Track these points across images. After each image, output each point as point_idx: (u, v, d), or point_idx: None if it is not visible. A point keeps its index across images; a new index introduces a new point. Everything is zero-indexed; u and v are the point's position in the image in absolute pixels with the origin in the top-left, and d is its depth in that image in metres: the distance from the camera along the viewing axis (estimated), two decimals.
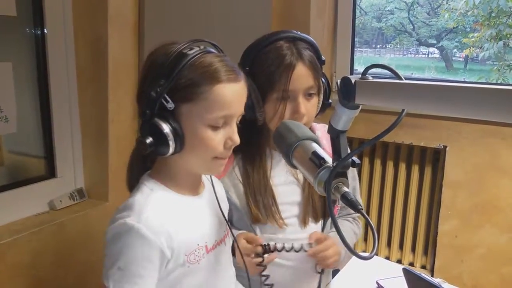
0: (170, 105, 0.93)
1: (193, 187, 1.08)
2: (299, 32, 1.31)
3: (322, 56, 1.33)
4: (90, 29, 1.90)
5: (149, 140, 0.93)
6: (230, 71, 0.97)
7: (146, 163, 1.06)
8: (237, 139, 1.01)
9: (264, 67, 1.26)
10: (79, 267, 1.89)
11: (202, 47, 0.98)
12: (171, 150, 0.94)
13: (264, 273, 1.30)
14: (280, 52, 1.25)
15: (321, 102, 1.34)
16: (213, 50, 1.00)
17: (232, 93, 0.97)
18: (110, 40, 1.87)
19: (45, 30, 1.85)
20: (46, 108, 1.91)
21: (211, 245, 1.07)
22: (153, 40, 1.95)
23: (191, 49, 0.96)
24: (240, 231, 1.32)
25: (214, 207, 1.13)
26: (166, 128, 0.93)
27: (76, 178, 2.04)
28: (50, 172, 1.97)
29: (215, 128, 0.97)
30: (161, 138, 0.93)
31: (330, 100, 1.36)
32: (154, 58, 0.98)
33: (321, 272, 1.37)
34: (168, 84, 0.93)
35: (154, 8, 1.98)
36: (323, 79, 1.33)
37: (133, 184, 1.07)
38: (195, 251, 1.03)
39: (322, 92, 1.33)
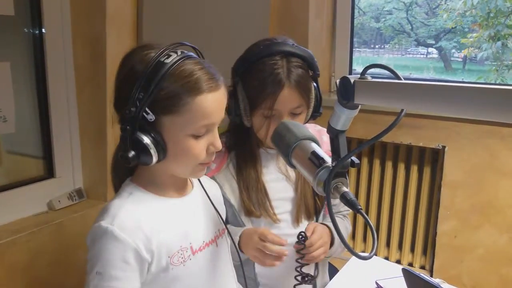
0: (151, 117, 0.92)
1: (177, 188, 1.08)
2: (296, 45, 1.32)
3: (317, 70, 1.34)
4: (88, 29, 1.90)
5: (131, 154, 0.93)
6: (211, 79, 0.95)
7: (129, 167, 1.06)
8: (219, 145, 1.00)
9: (254, 81, 1.28)
10: (78, 267, 1.88)
11: (179, 52, 0.95)
12: (154, 160, 0.94)
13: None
14: (271, 70, 1.26)
15: (310, 115, 1.36)
16: (192, 54, 0.98)
17: (214, 103, 0.96)
18: (108, 40, 1.86)
19: (43, 30, 1.85)
20: (45, 108, 1.91)
21: (197, 246, 1.07)
22: (151, 40, 1.95)
23: (169, 56, 0.93)
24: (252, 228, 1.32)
25: (204, 207, 1.13)
26: (148, 141, 0.92)
27: (75, 178, 2.04)
28: (49, 172, 1.97)
29: (197, 137, 0.96)
30: (143, 151, 0.93)
31: (320, 111, 1.38)
32: (132, 65, 0.96)
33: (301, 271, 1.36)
34: (148, 98, 0.91)
35: (152, 8, 1.98)
36: (315, 87, 1.34)
37: (118, 186, 1.08)
38: (178, 252, 1.02)
39: (312, 106, 1.35)
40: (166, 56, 0.93)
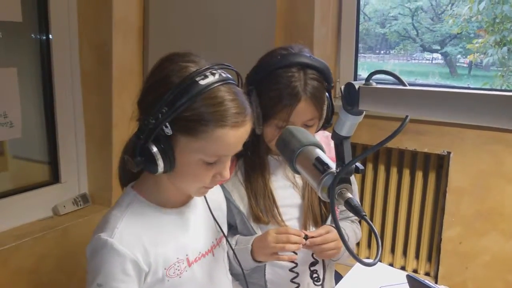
0: (168, 131, 0.91)
1: (178, 199, 1.07)
2: (312, 56, 1.32)
3: (332, 82, 1.35)
4: (95, 35, 1.91)
5: (137, 160, 0.92)
6: (238, 114, 0.93)
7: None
8: (226, 175, 0.99)
9: (270, 92, 1.28)
10: (82, 273, 1.88)
11: (217, 76, 0.92)
12: (160, 170, 0.93)
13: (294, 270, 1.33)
14: (288, 82, 1.26)
15: (320, 125, 1.37)
16: (230, 78, 0.96)
17: (234, 138, 0.94)
18: (114, 46, 1.87)
19: (50, 36, 1.86)
20: (51, 114, 1.92)
21: (193, 258, 1.07)
22: (157, 46, 1.96)
23: (205, 77, 0.91)
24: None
25: (204, 217, 1.13)
26: (158, 154, 0.91)
27: (80, 184, 2.04)
28: (54, 178, 1.98)
29: (207, 163, 0.95)
30: (150, 160, 0.92)
31: (331, 122, 1.39)
32: (168, 73, 0.93)
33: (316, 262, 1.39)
34: (171, 114, 0.89)
35: (158, 14, 1.99)
36: (328, 97, 1.35)
37: (124, 184, 1.09)
38: (175, 264, 1.02)
39: (324, 117, 1.35)
40: (202, 77, 0.90)
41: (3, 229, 1.74)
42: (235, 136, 0.94)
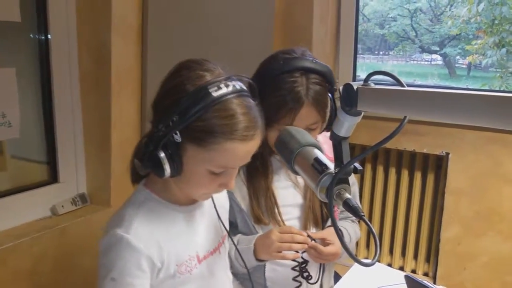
0: (178, 138, 0.91)
1: (187, 198, 1.08)
2: (315, 60, 1.32)
3: (335, 85, 1.35)
4: (94, 35, 1.91)
5: (145, 164, 0.93)
6: (248, 128, 0.93)
7: None
8: (231, 186, 1.00)
9: (273, 98, 1.28)
10: (81, 273, 1.88)
11: (231, 87, 0.92)
12: (166, 175, 0.94)
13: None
14: (290, 88, 1.27)
15: (324, 128, 1.37)
16: (243, 90, 0.95)
17: (242, 152, 0.94)
18: (113, 46, 1.87)
19: (49, 36, 1.86)
20: (49, 114, 1.91)
21: (202, 255, 1.08)
22: (156, 46, 1.96)
23: (219, 89, 0.90)
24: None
25: (210, 215, 1.14)
26: (165, 160, 0.91)
27: (79, 183, 2.04)
28: (53, 177, 1.97)
29: (214, 173, 0.96)
30: (158, 166, 0.92)
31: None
32: (184, 80, 0.93)
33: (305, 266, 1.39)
34: (181, 123, 0.89)
35: (157, 15, 1.99)
36: (331, 98, 1.35)
37: (136, 179, 1.08)
38: (186, 261, 1.03)
39: (327, 119, 1.36)
40: (216, 88, 0.90)
41: (1, 229, 1.73)
42: (244, 149, 0.94)
